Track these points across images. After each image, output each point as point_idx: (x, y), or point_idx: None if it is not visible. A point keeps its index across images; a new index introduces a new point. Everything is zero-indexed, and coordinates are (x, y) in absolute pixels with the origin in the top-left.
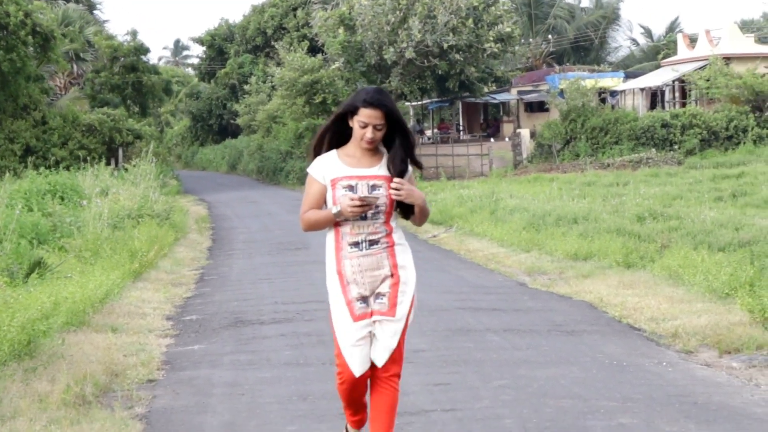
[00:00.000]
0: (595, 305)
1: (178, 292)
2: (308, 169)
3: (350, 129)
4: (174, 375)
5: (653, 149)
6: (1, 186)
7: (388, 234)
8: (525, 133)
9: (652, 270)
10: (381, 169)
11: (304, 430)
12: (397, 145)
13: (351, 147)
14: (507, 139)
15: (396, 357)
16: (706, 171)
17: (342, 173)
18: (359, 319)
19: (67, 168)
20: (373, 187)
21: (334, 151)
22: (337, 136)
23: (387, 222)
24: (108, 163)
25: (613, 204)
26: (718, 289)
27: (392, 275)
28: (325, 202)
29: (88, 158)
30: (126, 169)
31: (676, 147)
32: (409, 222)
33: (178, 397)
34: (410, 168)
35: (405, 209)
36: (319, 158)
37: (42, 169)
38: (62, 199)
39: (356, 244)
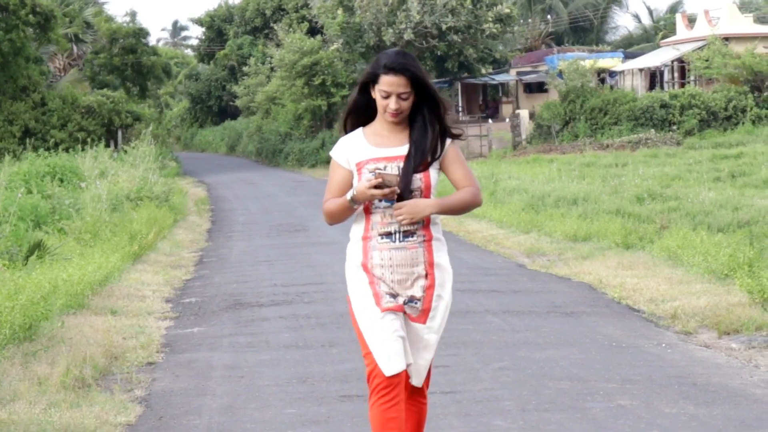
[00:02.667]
0: (594, 286)
1: (177, 274)
2: (331, 153)
3: (375, 102)
4: (173, 358)
5: (652, 130)
6: (1, 168)
7: (426, 226)
8: (524, 113)
9: (651, 251)
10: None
11: (303, 412)
12: (425, 121)
13: (378, 124)
14: (506, 120)
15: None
16: (705, 151)
17: (368, 155)
18: (388, 311)
19: (67, 150)
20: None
21: (360, 130)
22: (363, 111)
23: None
24: (107, 145)
25: (612, 185)
26: (717, 270)
27: (426, 276)
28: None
29: (88, 140)
30: (125, 151)
31: (675, 127)
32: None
33: (178, 379)
34: (447, 142)
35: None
36: (342, 139)
37: (41, 151)
38: (61, 181)
39: (388, 235)
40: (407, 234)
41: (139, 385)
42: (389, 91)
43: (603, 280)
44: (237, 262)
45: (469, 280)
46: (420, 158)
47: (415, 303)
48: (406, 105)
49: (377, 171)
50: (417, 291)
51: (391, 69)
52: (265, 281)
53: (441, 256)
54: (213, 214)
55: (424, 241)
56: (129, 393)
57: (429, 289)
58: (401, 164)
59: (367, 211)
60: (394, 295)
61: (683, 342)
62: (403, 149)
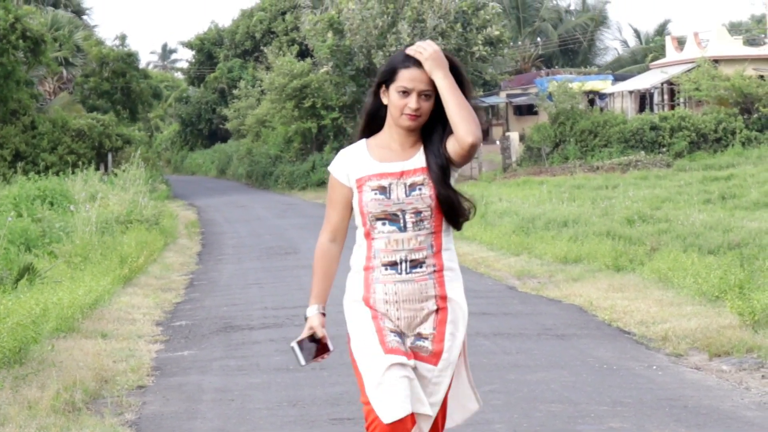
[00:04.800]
0: (585, 309)
1: (167, 297)
2: (330, 168)
3: (385, 111)
4: (164, 381)
5: (642, 152)
6: None
7: (436, 252)
8: (514, 136)
9: (641, 273)
10: (421, 158)
11: None
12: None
13: (384, 135)
14: (496, 142)
15: (438, 417)
16: (695, 173)
17: (370, 170)
18: (392, 352)
19: (57, 173)
20: (412, 187)
21: (362, 142)
22: (372, 122)
23: (437, 233)
24: (97, 168)
25: (602, 207)
26: (707, 292)
27: (437, 311)
28: (352, 210)
29: (78, 163)
30: (115, 174)
31: (665, 149)
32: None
33: (168, 403)
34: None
35: (452, 215)
36: (342, 152)
37: (31, 174)
38: (51, 204)
39: (393, 265)
40: (415, 264)
41: (129, 408)
42: (409, 88)
43: (593, 303)
44: (227, 285)
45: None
46: (438, 176)
47: (424, 341)
48: (427, 106)
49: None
50: (427, 328)
51: (414, 62)
52: (256, 304)
53: (455, 288)
54: (203, 237)
55: (434, 271)
56: (119, 417)
57: (441, 324)
58: (407, 181)
59: (369, 236)
60: (401, 335)
61: (674, 364)
62: (410, 162)
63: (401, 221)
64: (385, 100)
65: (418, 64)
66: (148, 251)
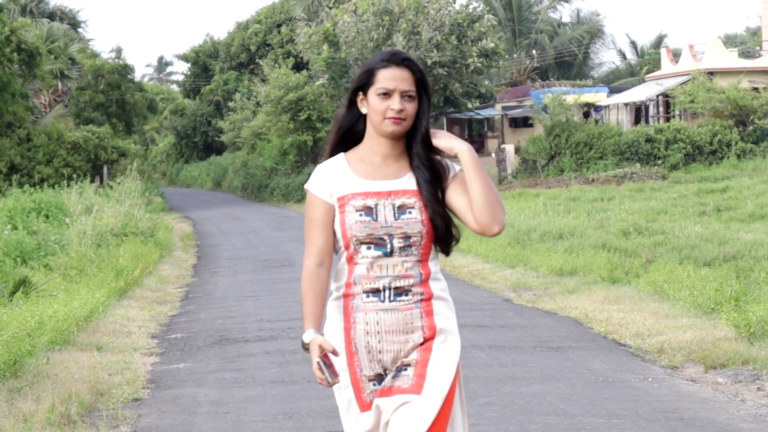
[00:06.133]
0: (581, 321)
1: (163, 310)
2: (306, 185)
3: (363, 123)
4: (159, 394)
5: (638, 164)
6: None
7: (424, 280)
8: (509, 148)
9: (637, 285)
10: (411, 180)
11: None
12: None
13: (364, 148)
14: (492, 154)
15: None
16: (690, 185)
17: (354, 188)
18: (368, 408)
19: (52, 186)
20: (401, 209)
21: (341, 156)
22: (348, 134)
23: (424, 261)
24: (93, 181)
25: (597, 219)
26: (703, 304)
27: (423, 342)
28: (334, 233)
29: (73, 176)
30: (111, 187)
31: (660, 162)
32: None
33: (164, 416)
34: (452, 166)
35: (445, 239)
36: (319, 167)
37: (27, 187)
38: (47, 217)
39: (376, 292)
40: (400, 291)
41: (124, 421)
42: (391, 89)
43: (589, 315)
44: (223, 297)
45: (455, 315)
46: (430, 193)
47: (406, 370)
48: (411, 108)
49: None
50: (411, 356)
51: (392, 61)
52: (251, 316)
53: (446, 320)
54: (199, 250)
55: (421, 300)
56: (115, 429)
57: (426, 351)
58: (396, 202)
59: (351, 261)
60: (381, 376)
61: (670, 376)
62: (400, 182)
63: (388, 245)
64: (363, 109)
65: (397, 62)
66: (143, 264)
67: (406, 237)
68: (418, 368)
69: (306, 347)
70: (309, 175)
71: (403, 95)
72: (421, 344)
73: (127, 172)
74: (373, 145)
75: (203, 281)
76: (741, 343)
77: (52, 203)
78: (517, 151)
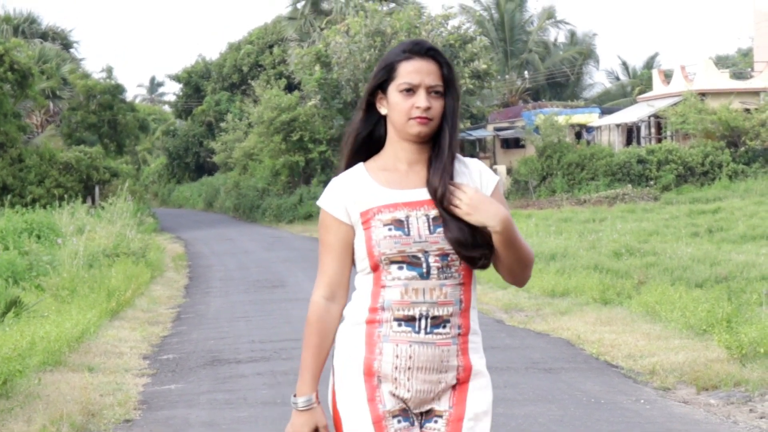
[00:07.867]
0: (573, 342)
1: (154, 330)
2: (320, 202)
3: (383, 127)
4: (151, 415)
5: (629, 185)
6: None
7: (464, 309)
8: (501, 169)
9: (629, 306)
10: None
11: None
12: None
13: (386, 155)
14: None
15: None
16: (682, 206)
17: (379, 200)
18: None
19: (44, 206)
20: (437, 221)
21: (360, 166)
22: (366, 142)
23: (466, 285)
24: (84, 201)
25: (589, 240)
26: (695, 325)
27: (456, 386)
28: (353, 258)
29: (65, 196)
30: (102, 207)
31: (652, 182)
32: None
33: None
34: (492, 177)
35: (470, 257)
36: (335, 181)
37: (18, 207)
38: (39, 237)
39: (410, 321)
40: (438, 322)
41: None
42: (415, 83)
43: (581, 336)
44: (214, 318)
45: None
46: (438, 190)
47: (437, 421)
48: (438, 106)
49: None
50: (442, 404)
51: (416, 52)
52: (243, 337)
53: (480, 360)
54: (190, 270)
55: (459, 334)
56: None
57: (460, 403)
58: (430, 213)
59: (378, 283)
60: (407, 411)
61: (662, 398)
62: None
63: (423, 265)
64: (383, 110)
65: (421, 53)
66: (135, 284)
67: (444, 255)
68: (450, 426)
69: (296, 408)
70: (301, 195)
71: (430, 91)
72: (453, 388)
73: (118, 192)
74: (397, 150)
75: (195, 302)
76: (733, 365)
77: (44, 223)
78: (508, 172)
